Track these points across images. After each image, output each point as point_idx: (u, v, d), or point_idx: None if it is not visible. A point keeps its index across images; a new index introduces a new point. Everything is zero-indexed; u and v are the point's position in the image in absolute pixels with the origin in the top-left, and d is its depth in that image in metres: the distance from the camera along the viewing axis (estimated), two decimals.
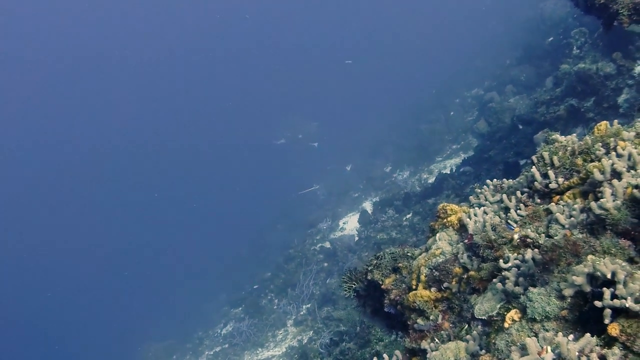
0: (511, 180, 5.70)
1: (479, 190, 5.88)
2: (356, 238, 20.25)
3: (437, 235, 5.68)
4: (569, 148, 4.95)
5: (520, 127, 16.07)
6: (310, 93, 60.97)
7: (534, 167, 5.06)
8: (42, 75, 78.45)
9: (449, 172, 18.95)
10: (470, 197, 5.98)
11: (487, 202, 5.68)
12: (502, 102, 19.87)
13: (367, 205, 24.04)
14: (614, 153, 4.50)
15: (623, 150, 4.53)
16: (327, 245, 21.97)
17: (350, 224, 23.45)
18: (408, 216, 18.43)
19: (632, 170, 4.42)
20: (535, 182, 4.98)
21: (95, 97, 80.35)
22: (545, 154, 4.99)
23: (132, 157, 71.10)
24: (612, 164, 4.42)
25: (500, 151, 16.32)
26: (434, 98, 33.51)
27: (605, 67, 13.90)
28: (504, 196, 5.31)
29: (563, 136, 5.20)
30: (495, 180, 5.90)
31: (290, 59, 75.77)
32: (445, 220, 5.75)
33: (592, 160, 4.79)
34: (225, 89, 75.86)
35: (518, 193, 5.22)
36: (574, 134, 5.24)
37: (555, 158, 4.91)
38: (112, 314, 42.69)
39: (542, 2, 25.98)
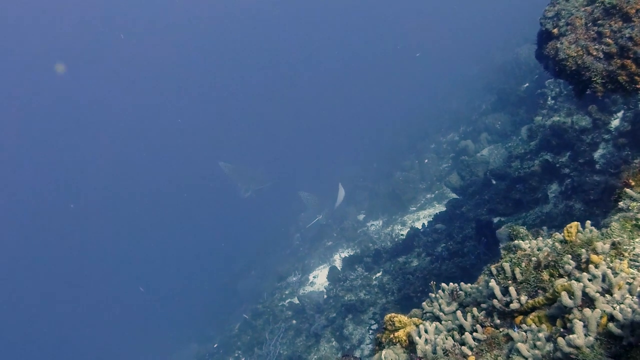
0: (469, 286, 4.88)
1: (433, 296, 5.05)
2: (325, 296, 19.34)
3: (383, 352, 4.82)
4: (533, 259, 4.14)
5: (494, 182, 15.39)
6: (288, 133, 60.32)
7: (492, 280, 4.23)
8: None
9: (420, 228, 18.14)
10: (424, 303, 5.15)
11: (441, 312, 4.84)
12: (475, 156, 19.20)
13: (338, 259, 23.22)
14: (585, 275, 3.69)
15: (596, 268, 3.72)
16: (296, 301, 21.05)
17: (320, 278, 22.55)
18: (378, 275, 17.57)
19: (607, 295, 3.61)
20: (495, 300, 4.15)
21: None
22: (506, 266, 4.17)
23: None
24: (584, 287, 3.61)
25: (473, 207, 15.60)
26: (408, 141, 32.95)
27: (581, 121, 13.28)
28: (459, 313, 4.47)
29: (527, 241, 4.39)
30: (451, 284, 5.07)
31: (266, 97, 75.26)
32: (392, 335, 4.89)
33: (560, 276, 3.98)
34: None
35: (475, 310, 4.38)
36: (540, 238, 4.44)
37: (517, 270, 4.11)
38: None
39: (518, 46, 25.71)
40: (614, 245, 3.98)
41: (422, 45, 53.83)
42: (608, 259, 3.88)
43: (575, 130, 13.19)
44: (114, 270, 53.54)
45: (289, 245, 32.63)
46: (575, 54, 6.64)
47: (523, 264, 4.13)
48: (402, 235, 20.05)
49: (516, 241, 4.40)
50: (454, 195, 18.48)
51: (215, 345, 24.07)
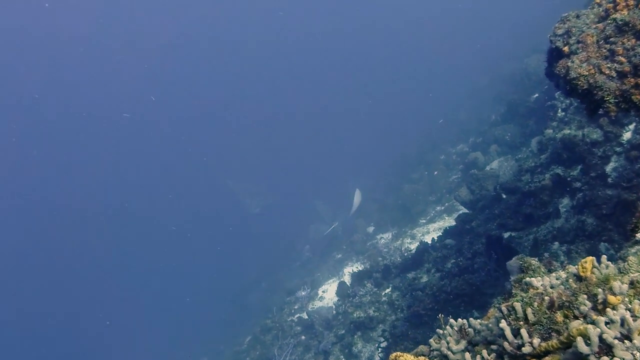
0: (479, 322, 4.65)
1: (441, 332, 4.82)
2: (334, 312, 19.09)
3: None
4: (546, 298, 3.90)
5: (504, 196, 15.14)
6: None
7: (503, 320, 4.00)
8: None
9: (430, 243, 17.89)
10: (431, 339, 4.93)
11: (449, 351, 4.61)
12: (484, 169, 18.96)
13: (347, 272, 22.97)
14: (602, 319, 3.45)
15: (614, 312, 3.48)
16: (305, 316, 20.83)
17: (329, 293, 22.30)
18: (387, 291, 17.33)
19: (626, 341, 3.37)
20: (506, 342, 3.92)
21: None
22: (518, 306, 3.94)
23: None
24: (601, 333, 3.37)
25: (483, 222, 15.34)
26: (417, 153, 32.71)
27: (592, 134, 13.03)
28: (467, 355, 4.23)
29: (539, 278, 4.16)
30: (459, 320, 4.83)
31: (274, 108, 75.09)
32: None
33: (575, 317, 3.74)
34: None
35: (485, 353, 4.14)
36: (553, 275, 4.21)
37: (529, 311, 3.87)
38: None
39: (527, 57, 25.49)
40: (632, 284, 3.75)
41: (432, 56, 53.73)
42: (627, 299, 3.65)
43: (586, 143, 12.95)
44: (127, 284, 53.42)
45: (299, 258, 32.49)
46: (587, 73, 6.42)
47: (535, 304, 3.90)
48: (411, 249, 19.80)
49: (527, 278, 4.17)
50: (464, 209, 18.23)
51: None
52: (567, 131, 13.80)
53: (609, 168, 12.16)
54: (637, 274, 3.99)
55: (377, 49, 71.81)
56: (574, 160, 13.12)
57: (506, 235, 13.52)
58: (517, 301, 3.99)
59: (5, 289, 55.53)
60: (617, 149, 12.41)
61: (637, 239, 4.65)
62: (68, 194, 70.18)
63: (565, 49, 6.75)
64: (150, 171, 71.84)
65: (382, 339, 15.05)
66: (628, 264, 4.12)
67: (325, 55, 79.49)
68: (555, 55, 7.05)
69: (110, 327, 44.52)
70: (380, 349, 14.95)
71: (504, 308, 4.05)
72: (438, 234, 18.79)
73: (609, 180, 11.81)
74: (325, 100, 66.36)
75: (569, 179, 12.87)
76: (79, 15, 76.09)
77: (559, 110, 16.05)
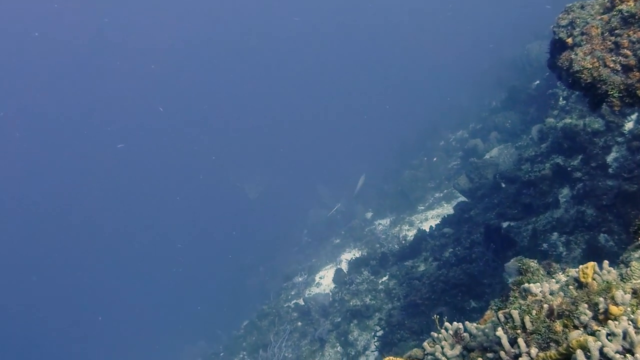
0: (475, 326, 4.49)
1: (436, 335, 4.67)
2: (330, 299, 19.00)
3: None
4: (545, 306, 3.75)
5: (504, 185, 14.97)
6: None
7: (500, 328, 3.84)
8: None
9: (428, 231, 17.75)
10: (425, 343, 4.77)
11: (443, 356, 4.46)
12: (484, 157, 18.78)
13: (344, 259, 22.85)
14: (603, 331, 3.30)
15: (616, 323, 3.33)
16: (302, 302, 20.75)
17: (326, 279, 22.19)
18: (384, 279, 17.21)
19: (628, 355, 3.22)
20: (502, 352, 3.77)
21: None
22: (515, 313, 3.78)
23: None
24: (602, 346, 3.22)
25: (482, 211, 15.18)
26: (417, 138, 32.52)
27: (593, 123, 12.85)
28: None
29: (538, 284, 4.00)
30: (455, 323, 4.67)
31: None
32: None
33: (575, 327, 3.59)
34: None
35: None
36: (552, 280, 4.05)
37: (527, 319, 3.71)
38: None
39: (529, 42, 25.26)
40: (635, 293, 3.59)
41: (433, 40, 53.36)
42: (629, 309, 3.50)
43: (587, 132, 12.77)
44: (123, 265, 53.45)
45: (297, 242, 32.38)
46: (591, 66, 6.22)
47: (534, 312, 3.74)
48: (409, 237, 19.67)
49: (526, 284, 4.02)
50: (463, 197, 18.08)
51: (221, 355, 23.82)
52: (568, 120, 13.62)
53: (610, 158, 11.98)
54: None
55: (377, 34, 71.38)
56: (574, 149, 12.94)
57: (505, 224, 13.38)
58: (515, 308, 3.84)
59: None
60: (619, 139, 12.22)
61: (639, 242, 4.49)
62: (61, 195, 70.38)
63: (569, 40, 6.55)
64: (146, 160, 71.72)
65: (378, 328, 14.93)
66: (631, 270, 3.96)
67: (327, 40, 79.02)
68: (558, 46, 6.85)
69: (106, 317, 44.58)
70: (376, 338, 14.85)
71: (501, 315, 3.90)
72: (436, 222, 18.65)
73: (610, 170, 11.65)
74: (327, 86, 66.05)
75: (569, 168, 12.71)
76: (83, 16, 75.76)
77: (561, 99, 15.86)
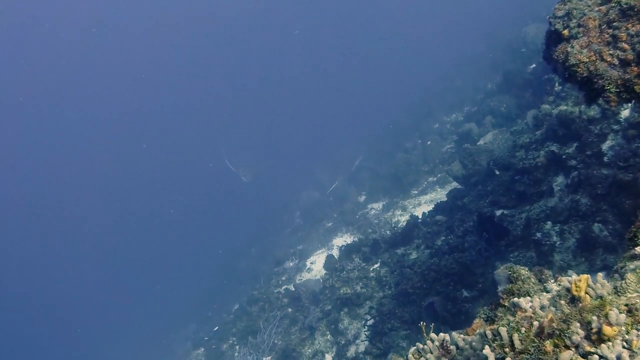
0: (462, 337, 4.28)
1: (421, 346, 4.46)
2: (321, 285, 18.81)
3: None
4: (535, 323, 3.52)
5: (497, 172, 14.74)
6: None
7: (487, 347, 3.62)
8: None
9: (420, 218, 17.52)
10: (410, 353, 4.56)
11: None
12: (478, 144, 18.54)
13: (336, 244, 22.69)
14: (596, 357, 3.08)
15: (609, 345, 3.12)
16: (292, 288, 20.56)
17: (317, 265, 22.03)
18: (375, 266, 16.99)
19: None
20: None
21: None
22: (503, 331, 3.56)
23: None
24: None
25: (475, 199, 14.97)
26: (411, 120, 32.28)
27: (589, 111, 12.60)
28: None
29: (528, 298, 3.77)
30: (441, 335, 4.46)
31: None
32: None
33: (566, 347, 3.37)
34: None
35: None
36: (544, 295, 3.82)
37: (516, 337, 3.49)
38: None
39: (525, 25, 24.96)
40: (630, 312, 3.37)
41: (428, 22, 53.00)
42: (623, 328, 3.28)
43: (583, 120, 12.54)
44: (114, 249, 53.44)
45: (290, 224, 32.21)
46: (588, 60, 5.97)
47: (523, 329, 3.53)
48: (401, 222, 19.48)
49: (515, 299, 3.79)
50: (456, 183, 17.85)
51: (215, 329, 23.73)
52: (563, 107, 13.38)
53: (605, 146, 11.75)
54: (635, 295, 3.62)
55: (373, 16, 70.94)
56: (569, 137, 12.72)
57: (498, 213, 13.18)
58: (503, 325, 3.62)
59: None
60: (615, 127, 11.98)
61: (636, 252, 4.26)
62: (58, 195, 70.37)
63: (565, 32, 6.29)
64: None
65: (368, 317, 14.75)
66: (626, 283, 3.74)
67: (322, 26, 78.62)
68: (554, 38, 6.59)
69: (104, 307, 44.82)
70: (366, 327, 14.68)
71: (488, 332, 3.68)
72: (429, 207, 18.43)
73: (605, 159, 11.42)
74: (323, 68, 65.74)
75: (564, 156, 12.49)
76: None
77: (556, 84, 15.63)
